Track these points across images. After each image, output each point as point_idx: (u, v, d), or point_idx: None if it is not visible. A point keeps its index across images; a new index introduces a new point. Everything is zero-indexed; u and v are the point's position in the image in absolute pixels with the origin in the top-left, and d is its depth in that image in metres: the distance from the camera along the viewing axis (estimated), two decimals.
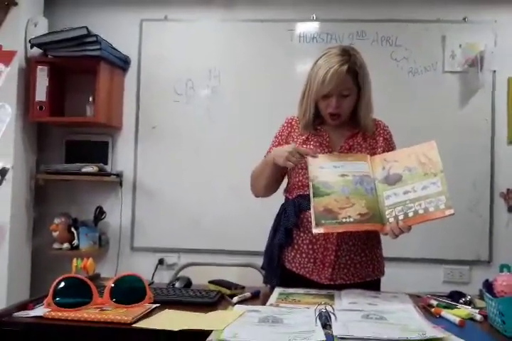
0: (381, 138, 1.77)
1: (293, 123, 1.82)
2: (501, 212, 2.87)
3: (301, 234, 1.73)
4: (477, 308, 1.39)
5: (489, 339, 1.14)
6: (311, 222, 1.53)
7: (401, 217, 1.48)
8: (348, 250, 1.69)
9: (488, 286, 1.27)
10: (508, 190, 2.87)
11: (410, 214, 1.47)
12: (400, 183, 1.54)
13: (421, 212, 1.46)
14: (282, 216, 1.78)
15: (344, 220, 1.49)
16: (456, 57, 2.91)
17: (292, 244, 1.75)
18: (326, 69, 1.62)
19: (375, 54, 2.90)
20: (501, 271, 1.30)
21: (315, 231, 1.51)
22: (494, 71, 2.88)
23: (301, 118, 1.77)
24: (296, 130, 1.80)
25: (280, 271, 1.76)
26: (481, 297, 1.42)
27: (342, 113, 1.70)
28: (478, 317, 1.31)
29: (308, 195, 1.59)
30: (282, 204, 1.84)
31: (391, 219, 1.49)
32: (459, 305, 1.42)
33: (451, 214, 1.43)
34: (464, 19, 2.92)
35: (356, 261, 1.70)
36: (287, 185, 1.83)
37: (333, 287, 1.65)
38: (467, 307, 1.40)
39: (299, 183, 1.73)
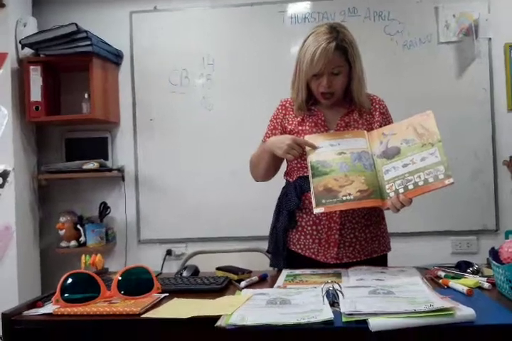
0: (377, 113, 1.75)
1: (287, 105, 1.81)
2: (505, 180, 2.85)
3: (304, 216, 1.73)
4: (485, 276, 1.39)
5: (497, 306, 1.13)
6: None
7: (401, 191, 1.47)
8: (352, 228, 1.68)
9: (495, 254, 1.27)
10: (510, 157, 2.84)
11: (410, 187, 1.46)
12: (399, 156, 1.52)
13: (421, 183, 1.45)
14: (284, 199, 1.77)
15: (344, 198, 1.48)
16: (451, 27, 2.88)
17: (296, 226, 1.75)
18: (314, 48, 1.60)
19: (368, 30, 2.88)
20: (507, 237, 1.29)
21: (316, 211, 1.50)
22: (490, 39, 2.85)
23: (295, 100, 1.76)
24: (291, 112, 1.79)
25: (286, 253, 1.76)
26: (489, 265, 1.41)
27: (334, 91, 1.68)
28: (486, 285, 1.30)
29: (309, 176, 1.59)
30: (283, 187, 1.83)
31: (391, 194, 1.48)
32: (467, 275, 1.41)
33: (451, 183, 1.41)
34: None
35: (361, 238, 1.70)
36: (287, 167, 1.82)
37: (340, 266, 1.65)
38: (475, 276, 1.40)
39: (298, 165, 1.73)
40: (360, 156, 1.57)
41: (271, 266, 1.80)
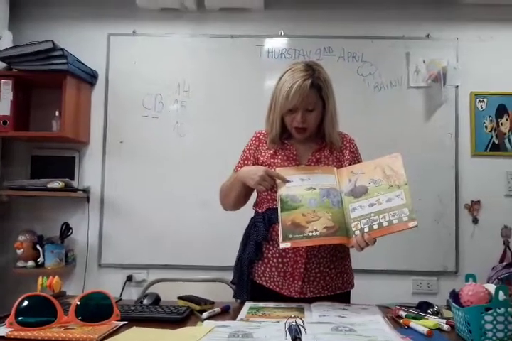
0: (347, 151, 1.79)
1: (261, 137, 1.83)
2: (466, 224, 2.94)
3: (271, 248, 1.73)
4: (444, 318, 1.41)
5: None
6: None
7: (366, 230, 1.49)
8: (318, 263, 1.69)
9: (455, 296, 1.29)
10: (472, 201, 2.93)
11: (375, 227, 1.48)
12: (366, 196, 1.55)
13: (385, 224, 1.48)
14: (252, 230, 1.77)
15: (311, 234, 1.50)
16: (420, 72, 3.00)
17: (262, 258, 1.74)
18: (290, 84, 1.64)
19: (341, 69, 2.96)
20: (467, 280, 1.32)
21: (282, 245, 1.51)
22: (457, 86, 2.97)
23: (269, 133, 1.78)
24: (264, 144, 1.81)
25: (250, 285, 1.75)
26: (449, 307, 1.44)
27: (308, 127, 1.72)
28: (446, 327, 1.32)
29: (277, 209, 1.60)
30: (252, 218, 1.83)
31: (357, 232, 1.51)
32: (427, 316, 1.43)
33: (415, 226, 1.44)
34: (427, 36, 3.01)
35: (326, 273, 1.71)
36: (257, 198, 1.83)
37: (304, 300, 1.65)
38: (435, 317, 1.42)
39: (268, 197, 1.74)
40: (329, 193, 1.59)
41: (234, 297, 1.78)
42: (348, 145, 1.81)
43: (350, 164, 1.75)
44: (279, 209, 1.58)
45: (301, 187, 1.60)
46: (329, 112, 1.72)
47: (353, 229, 1.52)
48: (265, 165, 1.74)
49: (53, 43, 2.71)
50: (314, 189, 1.59)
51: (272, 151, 1.78)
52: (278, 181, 1.64)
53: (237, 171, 1.79)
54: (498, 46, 3.02)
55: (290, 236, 1.51)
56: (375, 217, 1.50)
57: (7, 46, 2.82)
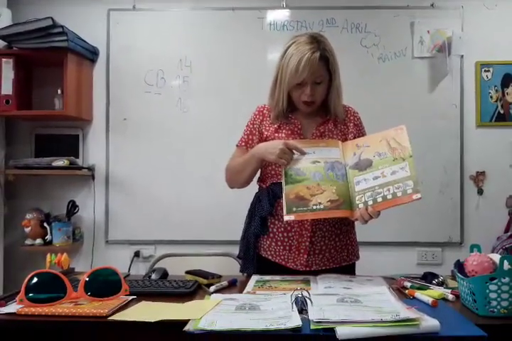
0: (351, 124, 1.78)
1: (264, 112, 1.81)
2: (471, 195, 2.94)
3: (276, 222, 1.74)
4: (449, 288, 1.42)
5: (461, 318, 1.16)
6: None
7: (370, 203, 1.49)
8: (323, 236, 1.70)
9: (460, 266, 1.30)
10: (477, 172, 2.93)
11: (379, 200, 1.48)
12: (370, 168, 1.55)
13: (389, 197, 1.47)
14: (257, 205, 1.78)
15: (315, 207, 1.50)
16: (425, 43, 2.95)
17: (267, 233, 1.75)
18: (298, 57, 1.61)
19: (344, 41, 2.92)
20: (471, 251, 1.32)
21: (286, 218, 1.52)
22: (462, 56, 2.92)
23: (274, 108, 1.76)
24: (268, 118, 1.79)
25: (256, 259, 1.76)
26: (453, 277, 1.45)
27: (316, 100, 1.70)
28: (451, 296, 1.34)
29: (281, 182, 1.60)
30: (256, 193, 1.84)
31: (361, 205, 1.51)
32: (432, 286, 1.44)
33: (418, 198, 1.44)
34: (432, 5, 2.95)
35: (331, 246, 1.72)
36: (261, 173, 1.83)
37: (309, 273, 1.66)
38: (440, 287, 1.44)
39: (272, 172, 1.73)
40: (333, 166, 1.59)
41: (241, 271, 1.80)
42: (352, 118, 1.80)
43: (354, 137, 1.74)
44: (284, 183, 1.58)
45: (305, 160, 1.60)
46: (335, 85, 1.71)
47: (357, 202, 1.52)
48: (269, 140, 1.74)
49: (53, 20, 2.68)
50: (319, 162, 1.59)
51: (276, 126, 1.77)
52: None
53: (241, 146, 1.79)
54: (503, 14, 2.96)
55: (294, 209, 1.51)
56: (379, 189, 1.50)
57: (6, 24, 2.79)
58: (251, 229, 1.77)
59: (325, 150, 1.63)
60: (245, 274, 1.76)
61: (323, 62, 1.64)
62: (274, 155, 1.60)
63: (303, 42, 1.64)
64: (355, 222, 1.77)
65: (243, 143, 1.80)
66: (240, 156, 1.78)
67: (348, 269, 1.76)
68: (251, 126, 1.82)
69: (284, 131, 1.75)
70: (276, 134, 1.75)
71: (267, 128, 1.78)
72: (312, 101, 1.69)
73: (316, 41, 1.65)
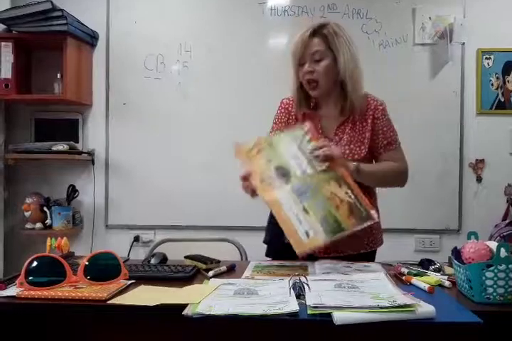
0: (370, 120, 1.72)
1: (290, 109, 1.79)
2: (470, 182, 2.95)
3: None
4: (446, 275, 1.43)
5: (457, 304, 1.18)
6: None
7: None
8: None
9: (457, 253, 1.30)
10: (476, 160, 2.93)
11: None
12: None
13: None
14: None
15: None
16: (426, 29, 2.93)
17: None
18: (295, 38, 1.65)
19: (346, 27, 2.77)
20: (469, 238, 1.33)
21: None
22: (463, 43, 2.91)
23: (294, 96, 1.76)
24: (293, 116, 1.78)
25: (280, 245, 1.77)
26: (451, 264, 1.46)
27: (318, 78, 1.67)
28: (447, 283, 1.35)
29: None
30: None
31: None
32: (429, 273, 1.46)
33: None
34: None
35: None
36: None
37: (329, 259, 1.66)
38: (436, 274, 1.45)
39: None
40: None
41: (266, 255, 1.83)
42: (371, 113, 1.73)
43: (371, 135, 1.70)
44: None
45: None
46: (343, 66, 1.65)
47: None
48: None
49: (52, 4, 2.66)
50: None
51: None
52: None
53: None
54: (505, 2, 2.93)
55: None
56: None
57: (5, 8, 2.77)
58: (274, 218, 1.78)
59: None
60: (244, 260, 1.77)
61: (320, 39, 1.64)
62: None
63: (307, 27, 1.66)
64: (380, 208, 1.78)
65: (271, 134, 1.80)
66: None
67: (367, 256, 1.75)
68: (278, 124, 1.81)
69: None
70: None
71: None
72: (313, 79, 1.67)
73: (319, 24, 1.65)
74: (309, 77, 1.67)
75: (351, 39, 1.69)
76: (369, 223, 1.45)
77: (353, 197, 1.47)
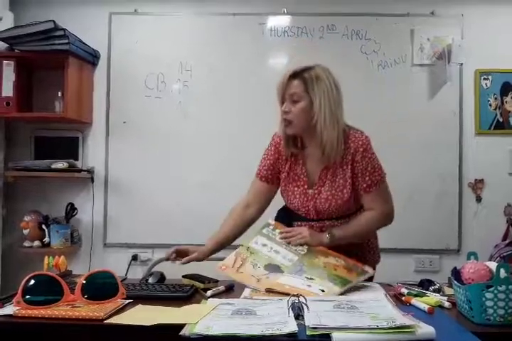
0: (349, 165, 1.72)
1: (280, 148, 1.82)
2: (470, 202, 2.94)
3: None
4: (446, 296, 1.42)
5: (457, 326, 1.17)
6: None
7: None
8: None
9: (457, 274, 1.30)
10: (475, 180, 2.93)
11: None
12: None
13: None
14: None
15: None
16: (425, 50, 2.96)
17: None
18: (280, 77, 1.72)
19: (345, 47, 2.94)
20: (469, 258, 1.33)
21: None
22: (461, 64, 2.93)
23: (281, 134, 1.79)
24: (282, 154, 1.81)
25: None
26: (450, 285, 1.45)
27: (293, 119, 1.70)
28: (447, 304, 1.34)
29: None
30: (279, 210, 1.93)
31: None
32: (429, 293, 1.45)
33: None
34: (432, 13, 2.97)
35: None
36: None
37: None
38: (436, 294, 1.44)
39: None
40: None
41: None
42: (350, 157, 1.71)
43: (352, 179, 1.72)
44: None
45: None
46: (318, 111, 1.67)
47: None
48: (283, 189, 1.83)
49: (54, 23, 2.69)
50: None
51: (287, 167, 1.80)
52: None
53: (258, 177, 1.86)
54: (503, 23, 2.98)
55: None
56: None
57: (8, 27, 2.80)
58: None
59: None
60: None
61: (300, 82, 1.68)
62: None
63: None
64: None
65: (260, 176, 1.85)
66: (254, 189, 1.87)
67: None
68: (268, 162, 1.84)
69: (292, 175, 1.80)
70: (285, 186, 1.82)
71: (281, 170, 1.82)
72: (288, 119, 1.71)
73: (305, 66, 1.70)
74: (285, 116, 1.72)
75: (335, 83, 1.71)
76: (368, 275, 1.58)
77: (343, 262, 1.61)
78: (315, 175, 1.77)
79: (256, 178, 1.87)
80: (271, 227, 1.77)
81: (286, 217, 1.85)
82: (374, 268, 1.81)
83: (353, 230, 1.75)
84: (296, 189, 1.79)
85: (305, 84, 1.67)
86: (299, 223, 1.81)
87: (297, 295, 1.26)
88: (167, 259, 1.74)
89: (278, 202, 1.90)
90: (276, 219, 1.86)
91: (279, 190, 1.86)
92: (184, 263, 1.73)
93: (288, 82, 1.68)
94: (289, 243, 1.69)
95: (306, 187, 1.77)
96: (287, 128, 1.73)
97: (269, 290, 1.48)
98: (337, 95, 1.70)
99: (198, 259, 1.73)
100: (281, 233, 1.73)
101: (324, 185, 1.74)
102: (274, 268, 1.61)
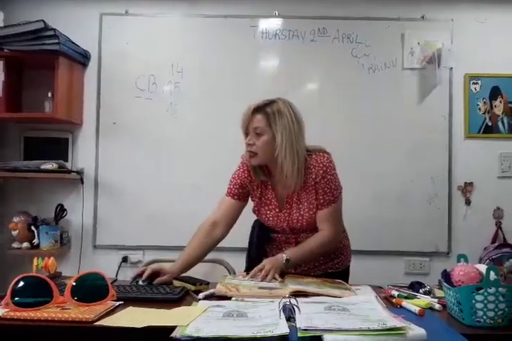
0: (313, 188, 1.81)
1: (250, 169, 1.88)
2: (459, 205, 2.96)
3: (270, 246, 1.95)
4: (436, 298, 1.43)
5: (447, 327, 1.17)
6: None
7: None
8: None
9: (447, 276, 1.31)
10: (465, 183, 2.95)
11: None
12: None
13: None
14: (254, 233, 2.01)
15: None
16: (415, 54, 2.98)
17: (266, 253, 1.96)
18: (244, 110, 1.78)
19: (336, 51, 2.95)
20: (459, 261, 1.34)
21: None
22: (451, 68, 2.95)
23: (249, 164, 1.86)
24: (253, 180, 1.88)
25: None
26: (441, 287, 1.46)
27: (257, 151, 1.76)
28: (437, 306, 1.35)
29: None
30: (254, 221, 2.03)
31: None
32: (419, 295, 1.46)
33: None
34: (423, 17, 2.98)
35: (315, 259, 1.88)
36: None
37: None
38: (427, 297, 1.45)
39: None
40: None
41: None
42: (312, 182, 1.80)
43: (316, 198, 1.81)
44: None
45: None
46: (279, 145, 1.74)
47: None
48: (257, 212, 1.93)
49: (44, 23, 2.67)
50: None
51: (258, 193, 1.87)
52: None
53: (229, 197, 1.90)
54: (493, 28, 3.00)
55: None
56: None
57: None
58: (251, 251, 1.99)
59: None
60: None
61: (263, 116, 1.74)
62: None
63: None
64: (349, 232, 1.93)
65: (232, 194, 1.89)
66: (225, 207, 1.91)
67: (338, 274, 1.85)
68: (239, 181, 1.89)
69: (265, 206, 1.88)
70: (262, 208, 1.90)
71: (253, 197, 1.91)
72: (251, 151, 1.76)
73: (270, 100, 1.75)
74: (249, 149, 1.78)
75: (296, 117, 1.77)
76: (353, 292, 1.52)
77: (325, 282, 1.64)
78: (283, 199, 1.85)
79: (227, 197, 1.90)
80: (231, 276, 1.80)
81: (265, 226, 1.94)
82: (347, 268, 1.96)
83: (305, 254, 1.80)
84: (268, 212, 1.87)
85: (267, 118, 1.73)
86: (276, 235, 1.92)
87: (288, 297, 1.26)
88: (139, 276, 1.65)
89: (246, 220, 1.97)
90: (255, 226, 2.00)
91: (252, 209, 1.93)
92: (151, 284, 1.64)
93: (252, 115, 1.74)
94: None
95: (277, 210, 1.86)
96: (252, 159, 1.79)
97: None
98: (298, 129, 1.76)
99: (168, 282, 1.65)
100: (245, 276, 1.67)
101: (292, 207, 1.83)
102: (269, 286, 1.55)
